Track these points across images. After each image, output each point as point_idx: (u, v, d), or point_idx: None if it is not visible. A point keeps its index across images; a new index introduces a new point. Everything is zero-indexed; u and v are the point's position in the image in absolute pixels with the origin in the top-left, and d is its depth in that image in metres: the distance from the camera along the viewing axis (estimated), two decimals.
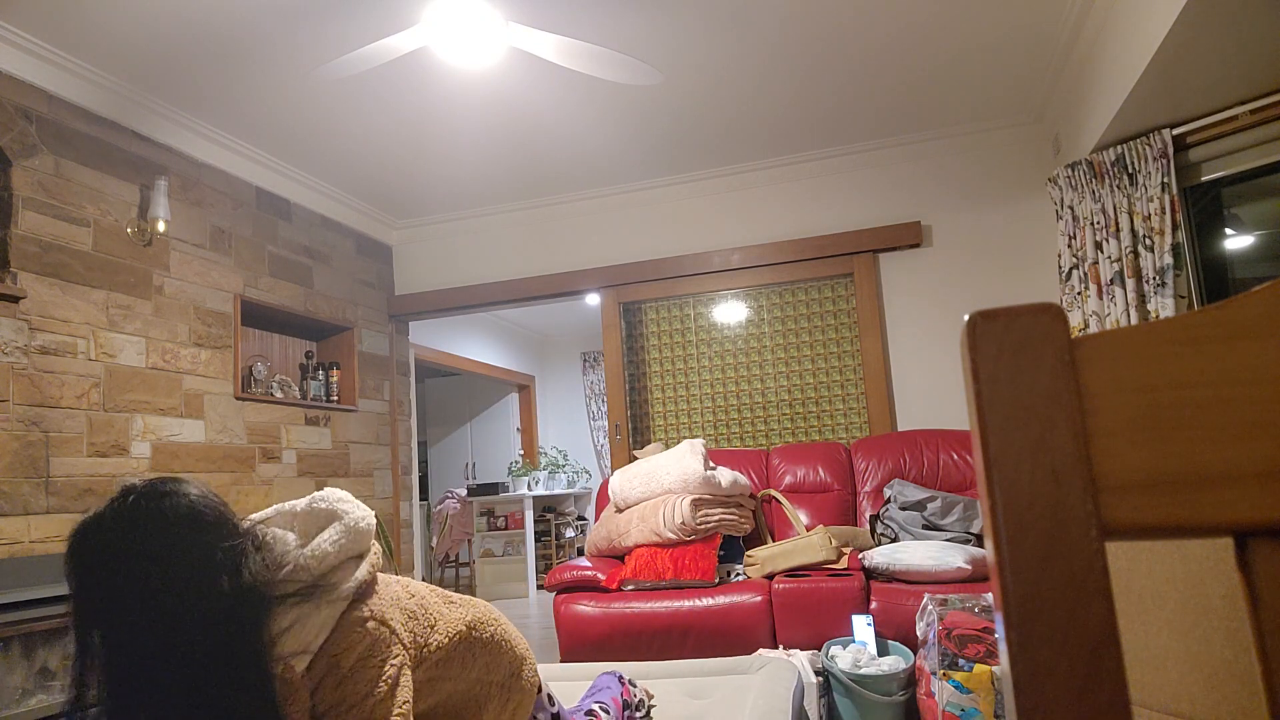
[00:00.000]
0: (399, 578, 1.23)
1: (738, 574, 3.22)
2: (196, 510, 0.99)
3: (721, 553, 3.24)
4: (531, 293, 4.82)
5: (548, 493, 7.33)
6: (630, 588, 3.15)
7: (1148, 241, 3.08)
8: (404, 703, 1.04)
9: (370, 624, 1.05)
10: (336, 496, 1.16)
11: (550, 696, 1.44)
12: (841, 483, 3.70)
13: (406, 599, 1.16)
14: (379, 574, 1.17)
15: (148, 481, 1.00)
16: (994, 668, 2.28)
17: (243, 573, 0.98)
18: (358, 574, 1.08)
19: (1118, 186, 3.21)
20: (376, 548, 1.16)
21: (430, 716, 1.21)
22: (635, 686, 1.82)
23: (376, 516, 1.37)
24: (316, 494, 1.16)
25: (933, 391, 4.12)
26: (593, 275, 4.69)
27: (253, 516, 1.14)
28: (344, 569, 1.08)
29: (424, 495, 8.04)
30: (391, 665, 1.05)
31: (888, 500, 3.45)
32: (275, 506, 1.18)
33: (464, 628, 1.22)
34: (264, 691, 0.95)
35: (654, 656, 2.88)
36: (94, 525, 0.95)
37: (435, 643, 1.16)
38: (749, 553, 3.24)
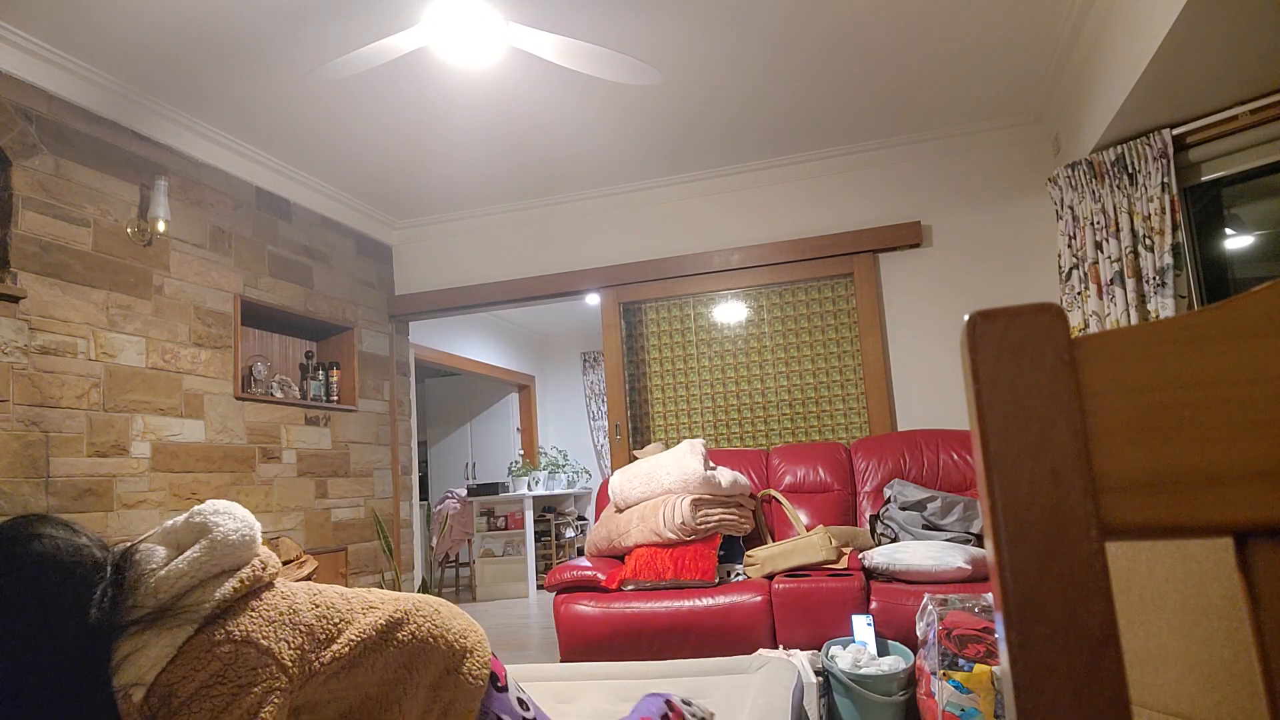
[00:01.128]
0: (310, 585, 1.15)
1: (738, 574, 3.22)
2: (46, 554, 0.96)
3: (721, 553, 3.24)
4: (531, 293, 4.82)
5: (548, 493, 7.33)
6: (630, 588, 3.15)
7: (1148, 241, 3.08)
8: None
9: (224, 648, 0.98)
10: (213, 509, 1.09)
11: (523, 700, 1.31)
12: (841, 483, 3.70)
13: (307, 610, 1.09)
14: (283, 586, 1.10)
15: (4, 524, 0.98)
16: (994, 668, 2.28)
17: (90, 611, 0.96)
18: (218, 593, 1.01)
19: (1118, 186, 3.21)
20: (263, 560, 1.09)
21: None
22: (691, 705, 1.59)
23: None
24: (197, 507, 1.10)
25: (933, 391, 4.12)
26: (593, 275, 4.69)
27: (145, 535, 1.10)
28: (205, 588, 1.01)
29: (424, 495, 8.04)
30: (254, 691, 0.96)
31: (888, 500, 3.45)
32: (163, 523, 1.13)
33: (374, 632, 1.14)
34: None
35: (654, 656, 2.88)
36: None
37: (333, 653, 1.08)
38: (749, 553, 3.24)
